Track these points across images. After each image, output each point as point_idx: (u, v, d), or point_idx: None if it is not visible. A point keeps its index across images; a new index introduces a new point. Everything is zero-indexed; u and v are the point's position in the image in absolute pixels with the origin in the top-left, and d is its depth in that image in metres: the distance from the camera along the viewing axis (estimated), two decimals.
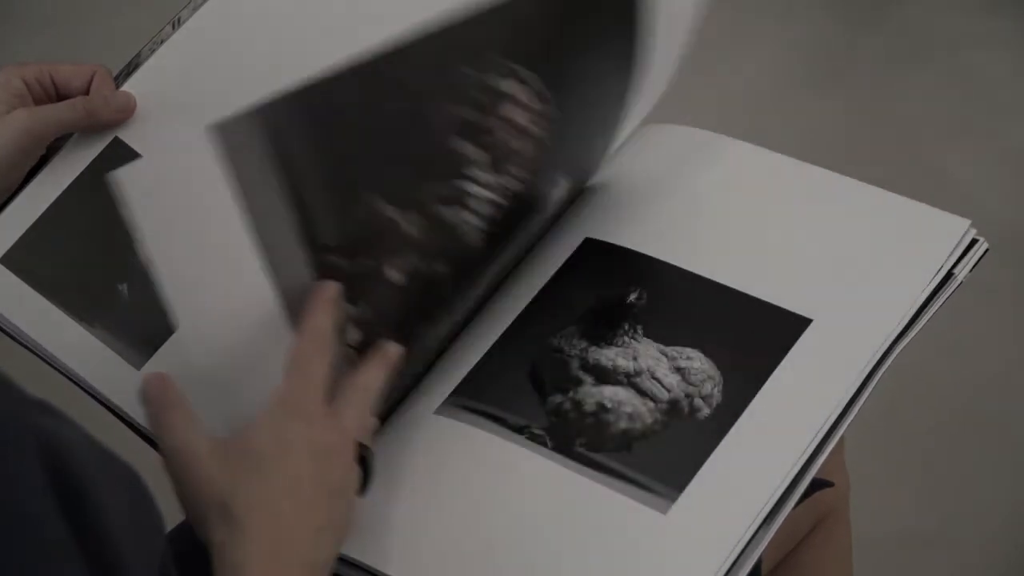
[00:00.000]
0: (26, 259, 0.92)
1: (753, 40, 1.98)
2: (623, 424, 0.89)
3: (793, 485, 0.84)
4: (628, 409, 0.90)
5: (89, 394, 0.91)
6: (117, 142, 0.93)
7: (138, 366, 0.91)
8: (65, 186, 0.94)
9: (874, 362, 0.88)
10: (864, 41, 1.97)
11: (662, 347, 0.92)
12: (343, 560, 0.86)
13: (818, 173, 0.99)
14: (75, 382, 0.91)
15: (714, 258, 0.95)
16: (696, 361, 0.91)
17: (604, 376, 0.91)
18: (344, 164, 0.82)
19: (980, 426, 1.66)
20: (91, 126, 0.94)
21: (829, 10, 2.00)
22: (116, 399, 0.90)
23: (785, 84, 1.94)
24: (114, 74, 0.97)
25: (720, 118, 1.87)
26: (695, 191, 0.99)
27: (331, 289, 0.82)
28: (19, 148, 0.93)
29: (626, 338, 0.92)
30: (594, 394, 0.91)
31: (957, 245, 0.92)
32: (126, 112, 0.94)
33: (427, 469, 0.89)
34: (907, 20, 1.99)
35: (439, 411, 0.92)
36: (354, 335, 0.86)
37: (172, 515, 0.77)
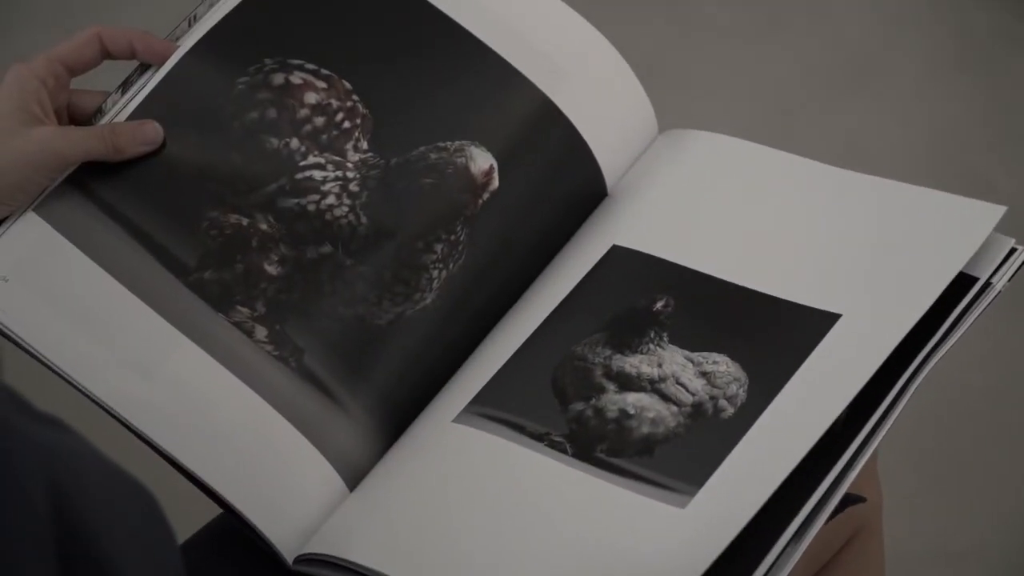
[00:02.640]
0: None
1: (784, 38, 1.96)
2: (645, 429, 0.88)
3: (824, 500, 0.83)
4: (651, 414, 0.89)
5: (99, 406, 0.89)
6: None
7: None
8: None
9: (910, 372, 0.87)
10: (903, 41, 1.95)
11: (688, 353, 0.91)
12: (357, 570, 0.85)
13: (848, 176, 0.97)
14: (86, 395, 0.90)
15: (741, 264, 0.94)
16: (722, 365, 0.90)
17: (627, 383, 0.90)
18: (174, 194, 0.93)
19: (1018, 439, 1.65)
20: (117, 159, 0.93)
21: (866, 6, 1.98)
22: (126, 413, 0.89)
23: (817, 85, 1.92)
24: (127, 75, 0.96)
25: (749, 119, 1.86)
26: (720, 198, 0.98)
27: None
28: (45, 166, 0.92)
29: (651, 345, 0.91)
30: (617, 401, 0.90)
31: (997, 252, 0.90)
32: (152, 145, 0.94)
33: (445, 477, 0.89)
34: (947, 20, 1.97)
35: (458, 419, 0.91)
36: (261, 332, 0.91)
37: (184, 529, 0.77)
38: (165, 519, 0.67)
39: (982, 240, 0.90)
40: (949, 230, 0.92)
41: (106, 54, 0.95)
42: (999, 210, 0.92)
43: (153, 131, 0.94)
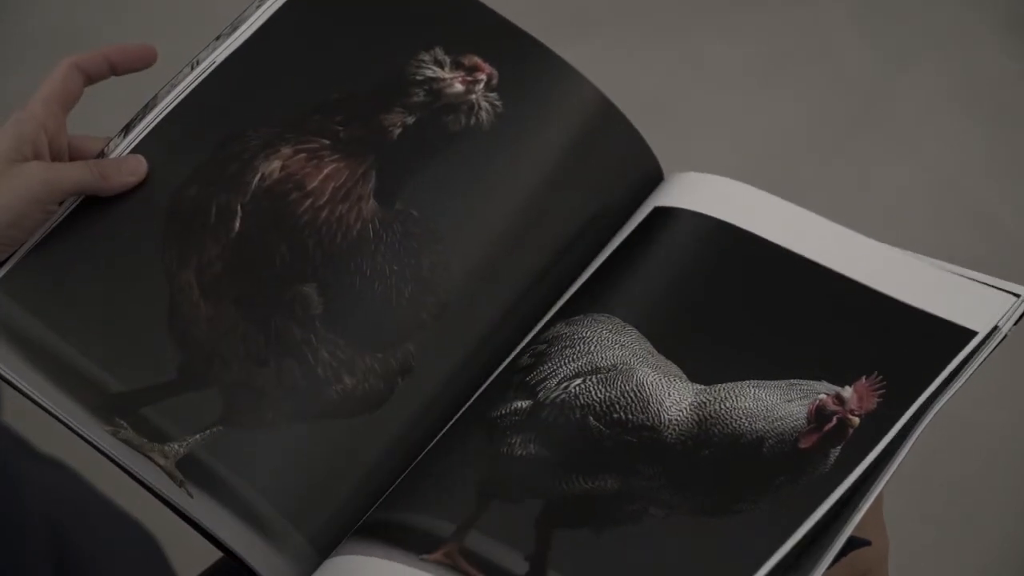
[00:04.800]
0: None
1: (786, 79, 1.96)
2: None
3: (829, 543, 0.84)
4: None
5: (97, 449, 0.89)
6: None
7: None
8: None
9: (912, 413, 0.87)
10: (906, 80, 1.95)
11: None
12: None
13: (856, 239, 0.96)
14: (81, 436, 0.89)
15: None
16: None
17: None
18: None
19: None
20: (104, 190, 0.94)
21: (869, 45, 1.98)
22: (131, 463, 0.88)
23: (821, 124, 1.92)
24: (128, 121, 0.97)
25: (753, 160, 1.85)
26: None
27: None
28: (35, 198, 0.92)
29: None
30: None
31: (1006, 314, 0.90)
32: (137, 175, 0.94)
33: None
34: (950, 58, 1.96)
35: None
36: None
37: (197, 562, 0.76)
38: (166, 560, 0.66)
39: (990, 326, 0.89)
40: (963, 310, 0.91)
41: (87, 80, 0.96)
42: (1009, 299, 0.91)
43: (136, 162, 0.94)
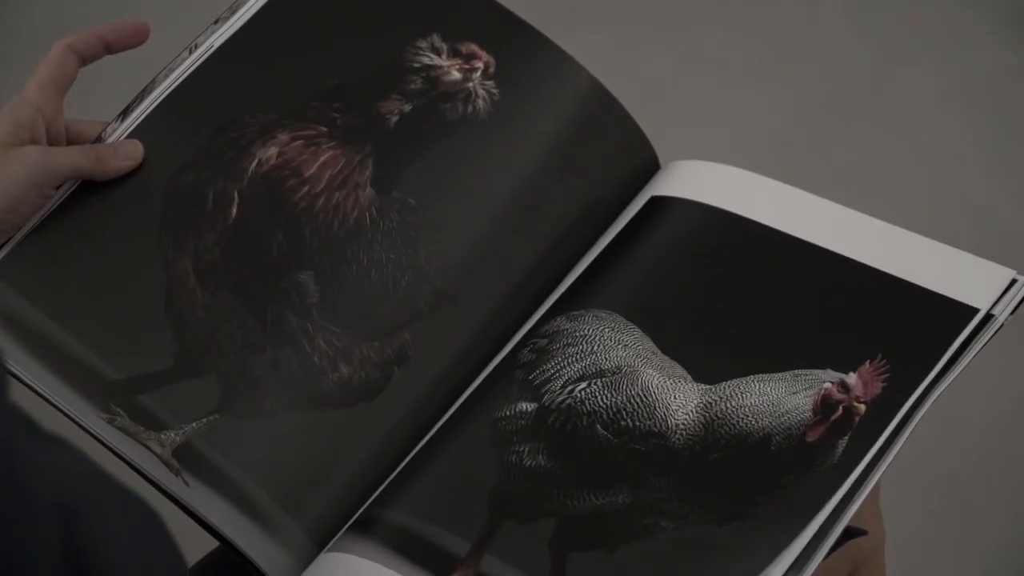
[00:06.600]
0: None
1: (785, 71, 1.96)
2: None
3: (825, 532, 0.83)
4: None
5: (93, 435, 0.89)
6: None
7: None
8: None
9: (909, 406, 0.86)
10: (904, 73, 1.95)
11: None
12: None
13: (855, 217, 0.95)
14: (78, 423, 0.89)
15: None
16: None
17: None
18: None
19: (1021, 473, 1.64)
20: (100, 174, 0.94)
21: (867, 39, 1.98)
22: (130, 453, 0.88)
23: (819, 117, 1.92)
24: (127, 104, 0.97)
25: (750, 151, 1.85)
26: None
27: None
28: (31, 182, 0.92)
29: None
30: None
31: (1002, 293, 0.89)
32: (134, 160, 0.94)
33: None
34: (947, 52, 1.96)
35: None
36: None
37: (194, 550, 0.76)
38: (171, 538, 0.66)
39: (989, 304, 0.89)
40: (960, 291, 0.90)
41: (82, 62, 0.96)
42: (1008, 273, 0.90)
43: (133, 147, 0.94)
